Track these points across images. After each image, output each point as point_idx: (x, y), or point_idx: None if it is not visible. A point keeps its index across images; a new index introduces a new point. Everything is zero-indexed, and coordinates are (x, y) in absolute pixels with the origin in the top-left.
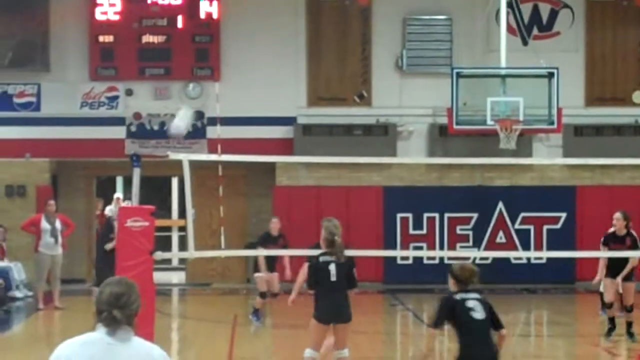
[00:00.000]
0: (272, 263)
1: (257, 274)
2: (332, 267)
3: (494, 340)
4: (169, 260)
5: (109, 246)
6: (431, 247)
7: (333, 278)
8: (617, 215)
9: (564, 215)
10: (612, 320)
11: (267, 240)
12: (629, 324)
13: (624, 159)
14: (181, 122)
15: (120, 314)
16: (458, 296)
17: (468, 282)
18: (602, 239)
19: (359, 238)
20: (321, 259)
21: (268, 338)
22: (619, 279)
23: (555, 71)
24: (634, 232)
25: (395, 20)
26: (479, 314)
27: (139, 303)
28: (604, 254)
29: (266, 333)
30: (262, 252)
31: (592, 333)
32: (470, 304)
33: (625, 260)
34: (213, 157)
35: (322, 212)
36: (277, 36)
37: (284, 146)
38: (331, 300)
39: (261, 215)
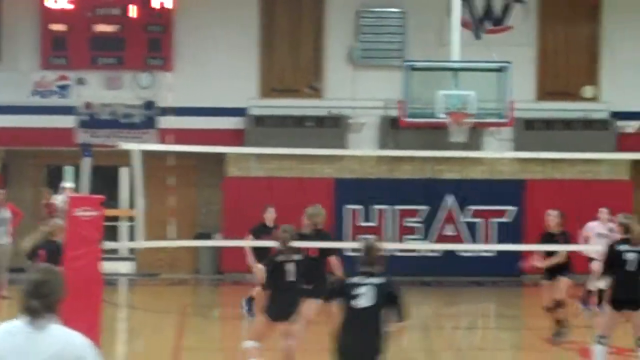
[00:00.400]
0: (265, 255)
1: (258, 265)
2: (290, 266)
3: (381, 332)
4: (117, 250)
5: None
6: (380, 239)
7: (290, 277)
8: (552, 212)
9: (513, 208)
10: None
11: (261, 231)
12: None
13: (574, 153)
14: None
15: (39, 303)
16: (353, 279)
17: (367, 264)
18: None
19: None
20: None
21: (216, 329)
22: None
23: (507, 65)
24: (567, 232)
25: (348, 12)
26: (364, 301)
27: (62, 290)
28: (549, 247)
29: (215, 324)
30: (249, 243)
31: (539, 326)
32: (362, 289)
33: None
34: (163, 147)
35: (273, 204)
36: (230, 27)
37: (235, 137)
38: (285, 299)
39: (211, 206)
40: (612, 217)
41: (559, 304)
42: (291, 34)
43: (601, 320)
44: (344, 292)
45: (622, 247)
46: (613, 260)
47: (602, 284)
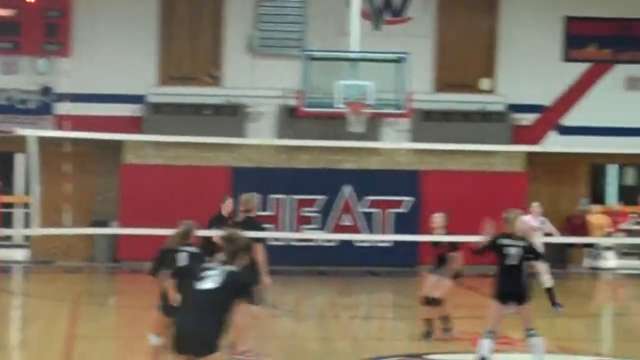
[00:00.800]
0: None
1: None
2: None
3: (224, 318)
4: (12, 237)
5: None
6: (278, 228)
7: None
8: (437, 215)
9: (409, 199)
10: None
11: (218, 222)
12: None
13: (471, 144)
14: None
15: None
16: (208, 264)
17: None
18: None
19: (205, 218)
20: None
21: (111, 317)
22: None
23: (405, 56)
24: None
25: (248, 1)
26: (208, 283)
27: None
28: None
29: (110, 312)
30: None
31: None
32: (209, 273)
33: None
34: (60, 133)
35: (170, 191)
36: (129, 13)
37: (133, 124)
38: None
39: (108, 194)
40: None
41: (434, 301)
42: (190, 22)
43: (488, 315)
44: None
45: (505, 241)
46: (496, 254)
47: None
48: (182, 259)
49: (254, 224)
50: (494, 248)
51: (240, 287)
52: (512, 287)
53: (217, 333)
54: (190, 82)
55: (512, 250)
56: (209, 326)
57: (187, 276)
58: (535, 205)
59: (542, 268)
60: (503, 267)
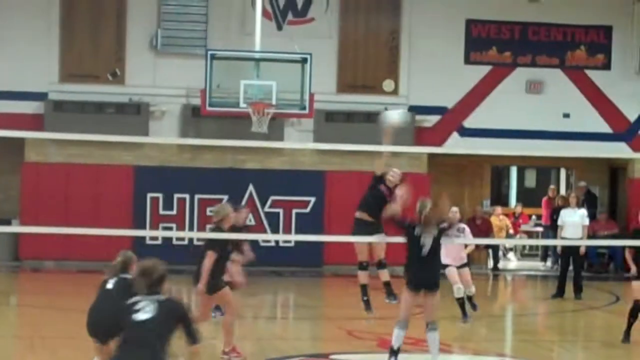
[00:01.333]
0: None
1: None
2: None
3: (163, 353)
4: None
5: None
6: (181, 227)
7: None
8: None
9: (313, 199)
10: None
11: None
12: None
13: (374, 145)
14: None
15: None
16: (134, 298)
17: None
18: None
19: (108, 217)
20: None
21: (12, 316)
22: None
23: (308, 57)
24: None
25: (150, 1)
26: (144, 314)
27: None
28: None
29: (11, 312)
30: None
31: (339, 316)
32: (141, 304)
33: None
34: None
35: (72, 190)
36: (29, 9)
37: (34, 122)
38: None
39: (9, 192)
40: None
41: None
42: (92, 19)
43: (400, 305)
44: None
45: (418, 231)
46: (409, 244)
47: None
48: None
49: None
50: (408, 235)
51: (187, 331)
52: (425, 274)
53: None
54: (92, 79)
55: (424, 240)
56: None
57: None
58: (454, 211)
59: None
60: (417, 257)
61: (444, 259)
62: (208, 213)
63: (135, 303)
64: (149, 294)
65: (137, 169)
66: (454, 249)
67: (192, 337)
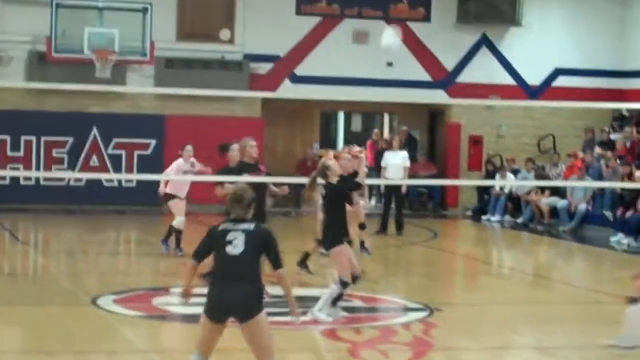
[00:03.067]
0: None
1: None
2: None
3: (256, 281)
4: None
5: None
6: (27, 168)
7: None
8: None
9: (153, 141)
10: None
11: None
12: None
13: (210, 90)
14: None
15: None
16: (221, 227)
17: (232, 209)
18: None
19: None
20: None
21: None
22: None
23: (149, 6)
24: None
25: None
26: (236, 248)
27: None
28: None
29: None
30: None
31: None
32: (230, 236)
33: None
34: None
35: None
36: None
37: None
38: None
39: None
40: None
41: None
42: None
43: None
44: (214, 240)
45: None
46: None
47: None
48: None
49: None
50: None
51: (271, 257)
52: None
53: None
54: None
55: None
56: (244, 294)
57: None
58: (188, 150)
59: None
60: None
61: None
62: (54, 154)
63: (226, 233)
64: (236, 222)
65: None
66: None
67: (276, 263)
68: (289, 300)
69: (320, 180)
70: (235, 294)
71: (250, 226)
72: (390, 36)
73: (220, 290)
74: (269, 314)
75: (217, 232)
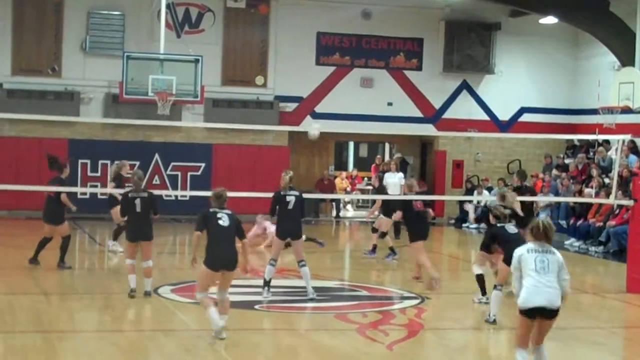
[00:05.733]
0: None
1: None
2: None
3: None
4: None
5: None
6: (104, 185)
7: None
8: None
9: (203, 164)
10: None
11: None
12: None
13: (248, 125)
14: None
15: None
16: (211, 210)
17: (216, 202)
18: None
19: (49, 178)
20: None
21: None
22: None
23: (200, 58)
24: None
25: (81, 11)
26: (224, 223)
27: None
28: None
29: None
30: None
31: None
32: (219, 215)
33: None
34: None
35: (21, 158)
36: None
37: None
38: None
39: None
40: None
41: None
42: (37, 25)
43: (272, 249)
44: (208, 218)
45: (284, 193)
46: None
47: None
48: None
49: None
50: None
51: (239, 230)
52: (291, 226)
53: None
54: (36, 73)
55: (292, 199)
56: (232, 253)
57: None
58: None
59: None
60: (285, 212)
61: None
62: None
63: (216, 214)
64: (221, 208)
65: (71, 141)
66: None
67: (242, 235)
68: (245, 259)
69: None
70: (228, 253)
71: (229, 211)
72: (314, 129)
73: (217, 250)
74: (285, 301)
75: (210, 213)
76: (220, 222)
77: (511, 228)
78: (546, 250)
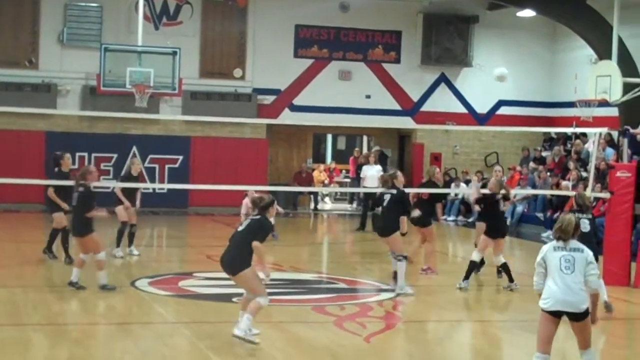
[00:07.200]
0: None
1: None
2: None
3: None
4: None
5: None
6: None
7: None
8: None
9: (181, 157)
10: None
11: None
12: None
13: (226, 117)
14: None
15: None
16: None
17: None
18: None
19: (26, 171)
20: None
21: None
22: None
23: (178, 50)
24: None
25: (58, 3)
26: (241, 227)
27: None
28: (208, 187)
29: None
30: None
31: (200, 244)
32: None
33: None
34: None
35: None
36: None
37: None
38: None
39: None
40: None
41: None
42: (13, 20)
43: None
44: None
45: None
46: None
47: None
48: None
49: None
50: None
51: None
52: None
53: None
54: (13, 65)
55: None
56: (232, 256)
57: None
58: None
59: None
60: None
61: None
62: (102, 167)
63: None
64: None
65: (48, 134)
66: None
67: (259, 239)
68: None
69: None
70: (224, 256)
71: (257, 216)
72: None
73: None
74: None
75: None
76: (240, 226)
77: (585, 225)
78: (573, 248)
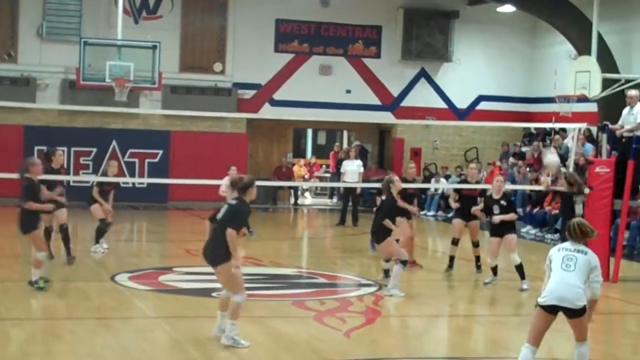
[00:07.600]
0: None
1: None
2: None
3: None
4: None
5: None
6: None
7: None
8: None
9: (161, 152)
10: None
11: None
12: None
13: (206, 112)
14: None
15: None
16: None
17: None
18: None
19: (3, 164)
20: None
21: None
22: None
23: (157, 44)
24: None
25: None
26: (220, 214)
27: None
28: (188, 181)
29: None
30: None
31: (180, 239)
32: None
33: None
34: None
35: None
36: None
37: None
38: None
39: None
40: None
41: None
42: None
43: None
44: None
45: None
46: None
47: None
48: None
49: None
50: None
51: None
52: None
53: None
54: None
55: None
56: (212, 246)
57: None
58: (232, 170)
59: None
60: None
61: None
62: (81, 162)
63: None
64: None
65: (26, 128)
66: None
67: (234, 226)
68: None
69: None
70: (205, 247)
71: (233, 201)
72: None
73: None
74: (249, 288)
75: None
76: (219, 213)
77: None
78: (577, 250)
